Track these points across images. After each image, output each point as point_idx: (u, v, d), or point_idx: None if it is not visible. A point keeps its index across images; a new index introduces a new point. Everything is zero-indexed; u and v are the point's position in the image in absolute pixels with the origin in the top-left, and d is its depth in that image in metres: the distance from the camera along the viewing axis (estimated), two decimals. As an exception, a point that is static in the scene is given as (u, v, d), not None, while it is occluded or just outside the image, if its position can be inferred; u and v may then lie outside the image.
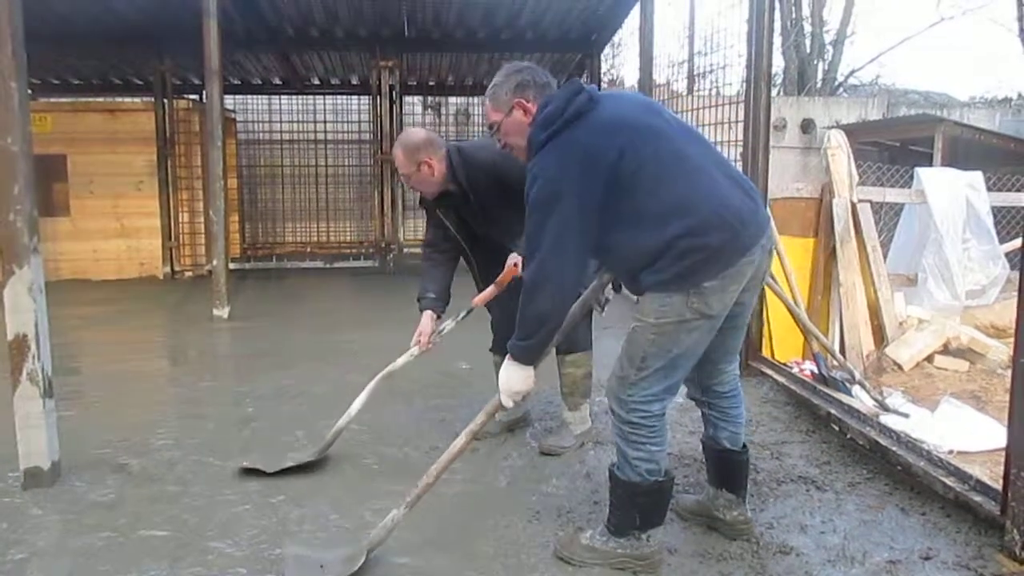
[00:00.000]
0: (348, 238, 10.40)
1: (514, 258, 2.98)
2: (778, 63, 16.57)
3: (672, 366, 2.16)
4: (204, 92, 6.88)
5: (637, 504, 2.24)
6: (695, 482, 2.87)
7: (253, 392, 4.12)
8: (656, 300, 2.11)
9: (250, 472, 2.97)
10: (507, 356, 2.23)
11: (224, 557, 2.37)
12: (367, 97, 9.32)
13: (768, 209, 2.47)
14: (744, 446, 2.47)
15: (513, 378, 2.21)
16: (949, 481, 2.66)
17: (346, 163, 10.37)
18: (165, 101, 8.37)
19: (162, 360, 5.27)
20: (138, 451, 3.23)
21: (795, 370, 4.17)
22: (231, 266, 6.49)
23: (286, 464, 3.01)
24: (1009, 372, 2.60)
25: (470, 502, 2.74)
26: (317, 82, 10.25)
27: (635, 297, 2.23)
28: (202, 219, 8.29)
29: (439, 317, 3.18)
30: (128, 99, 9.43)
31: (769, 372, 4.11)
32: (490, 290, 3.08)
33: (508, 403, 2.25)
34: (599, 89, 2.33)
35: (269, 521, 2.60)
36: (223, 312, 6.05)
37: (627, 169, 2.05)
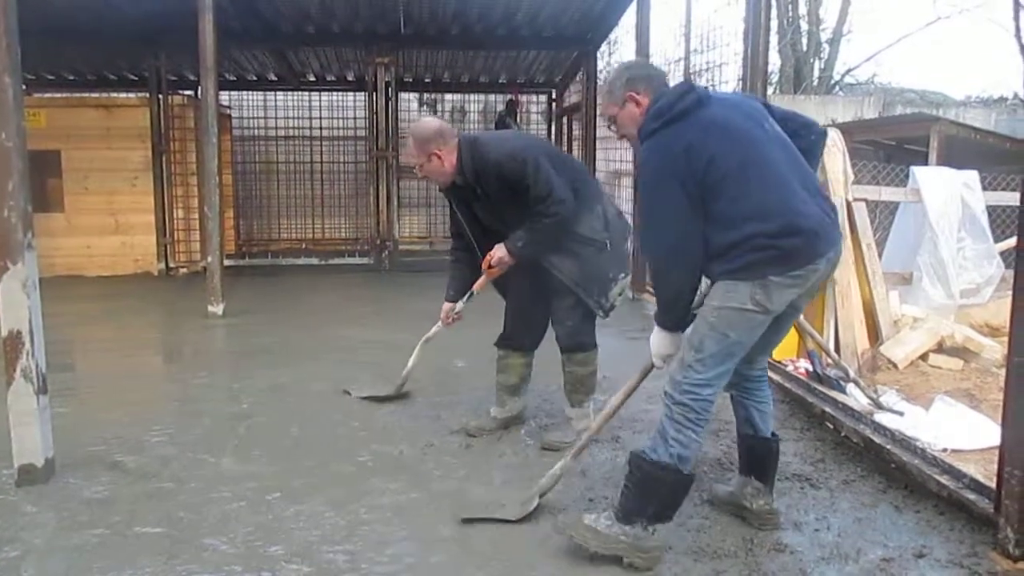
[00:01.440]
0: (343, 235, 10.37)
1: (498, 248, 3.16)
2: (774, 61, 16.56)
3: (726, 352, 2.28)
4: (199, 88, 6.84)
5: (656, 491, 2.29)
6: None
7: (248, 389, 4.11)
8: (723, 287, 2.26)
9: (346, 394, 3.94)
10: (655, 326, 2.44)
11: (219, 554, 2.37)
12: (363, 94, 9.28)
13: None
14: (774, 434, 2.60)
15: (662, 343, 2.44)
16: (943, 479, 2.68)
17: (342, 160, 10.34)
18: (160, 97, 8.32)
19: (157, 357, 5.26)
20: (133, 448, 3.22)
21: (790, 368, 4.18)
22: (226, 263, 6.45)
23: (367, 393, 3.90)
24: (1003, 371, 2.61)
25: (467, 499, 2.74)
26: (313, 78, 10.22)
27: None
28: (197, 215, 8.24)
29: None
30: (123, 95, 9.37)
31: (764, 370, 4.11)
32: (482, 279, 3.34)
33: (659, 364, 2.48)
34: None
35: (264, 518, 2.60)
36: (218, 309, 6.04)
37: (715, 175, 2.22)
